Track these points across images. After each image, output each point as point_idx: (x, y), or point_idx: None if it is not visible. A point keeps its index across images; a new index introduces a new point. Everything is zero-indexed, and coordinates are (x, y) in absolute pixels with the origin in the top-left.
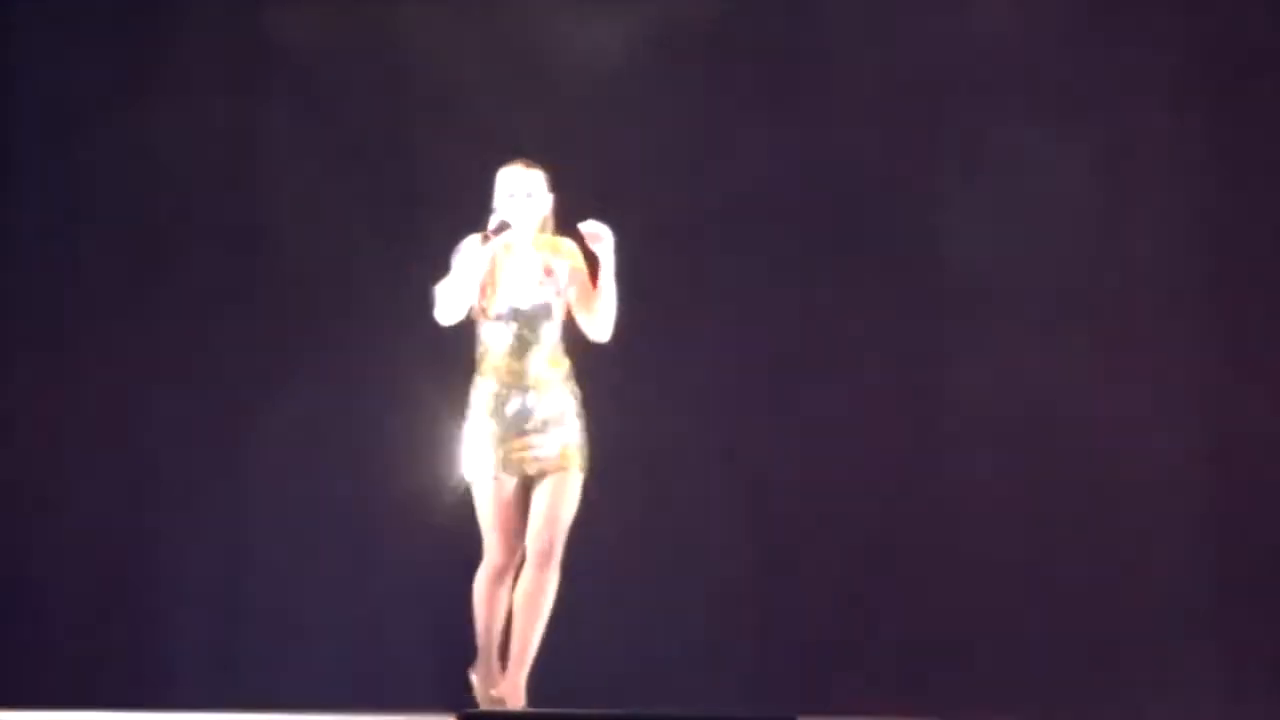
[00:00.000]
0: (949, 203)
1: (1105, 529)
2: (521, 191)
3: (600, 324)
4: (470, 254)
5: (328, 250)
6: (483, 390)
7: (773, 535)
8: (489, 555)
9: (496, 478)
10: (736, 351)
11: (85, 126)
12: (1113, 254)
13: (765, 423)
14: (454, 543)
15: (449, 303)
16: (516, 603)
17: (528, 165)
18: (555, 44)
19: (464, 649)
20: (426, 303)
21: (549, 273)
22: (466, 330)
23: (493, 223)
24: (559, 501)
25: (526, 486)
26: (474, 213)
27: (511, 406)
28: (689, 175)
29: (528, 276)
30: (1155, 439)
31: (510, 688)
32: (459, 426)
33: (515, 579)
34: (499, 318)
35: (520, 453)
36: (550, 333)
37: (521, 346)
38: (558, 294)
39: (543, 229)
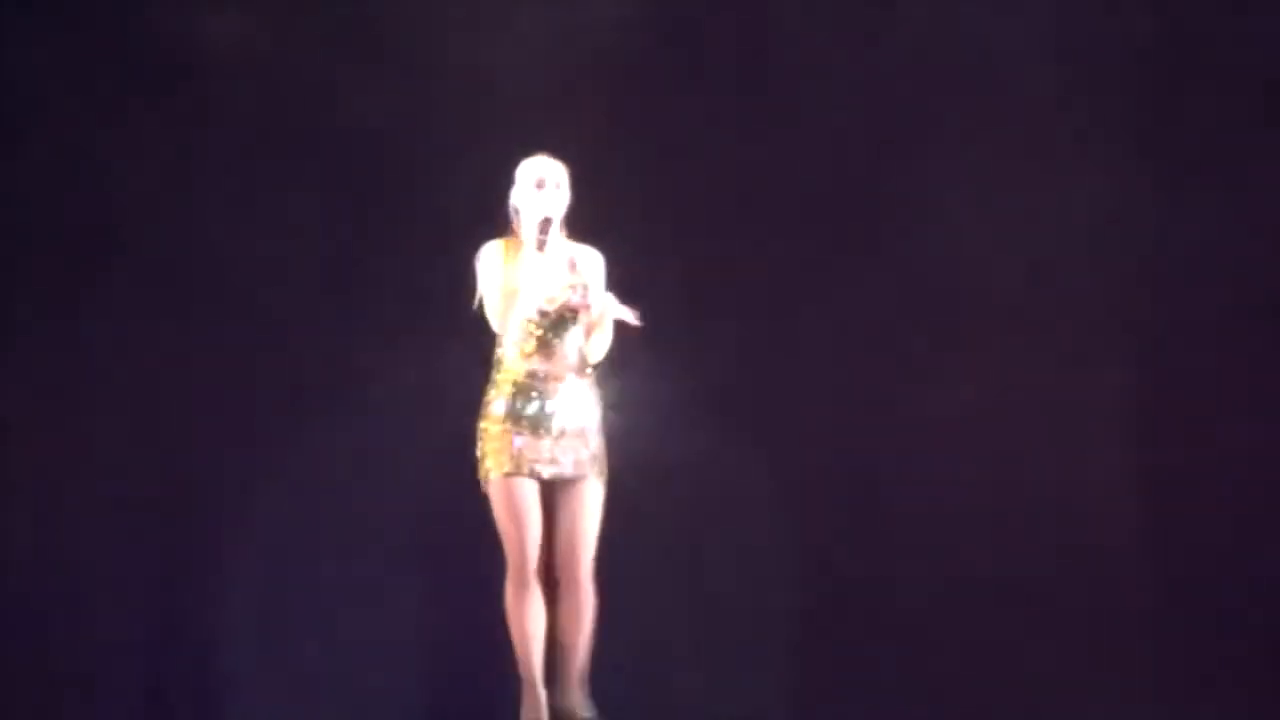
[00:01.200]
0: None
1: (1043, 542)
2: (551, 182)
3: (594, 348)
4: (492, 255)
5: (340, 251)
6: (501, 392)
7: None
8: (510, 563)
9: (513, 481)
10: (760, 352)
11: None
12: (1048, 268)
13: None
14: (477, 554)
15: (503, 309)
16: (560, 625)
17: (549, 157)
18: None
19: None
20: (442, 302)
21: (573, 267)
22: (487, 331)
23: (532, 224)
24: (580, 516)
25: (545, 492)
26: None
27: (530, 409)
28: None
29: (551, 275)
30: (1090, 453)
31: (568, 708)
32: (477, 430)
33: (547, 589)
34: (528, 318)
35: (536, 456)
36: (574, 334)
37: (542, 348)
38: (583, 295)
39: (564, 228)
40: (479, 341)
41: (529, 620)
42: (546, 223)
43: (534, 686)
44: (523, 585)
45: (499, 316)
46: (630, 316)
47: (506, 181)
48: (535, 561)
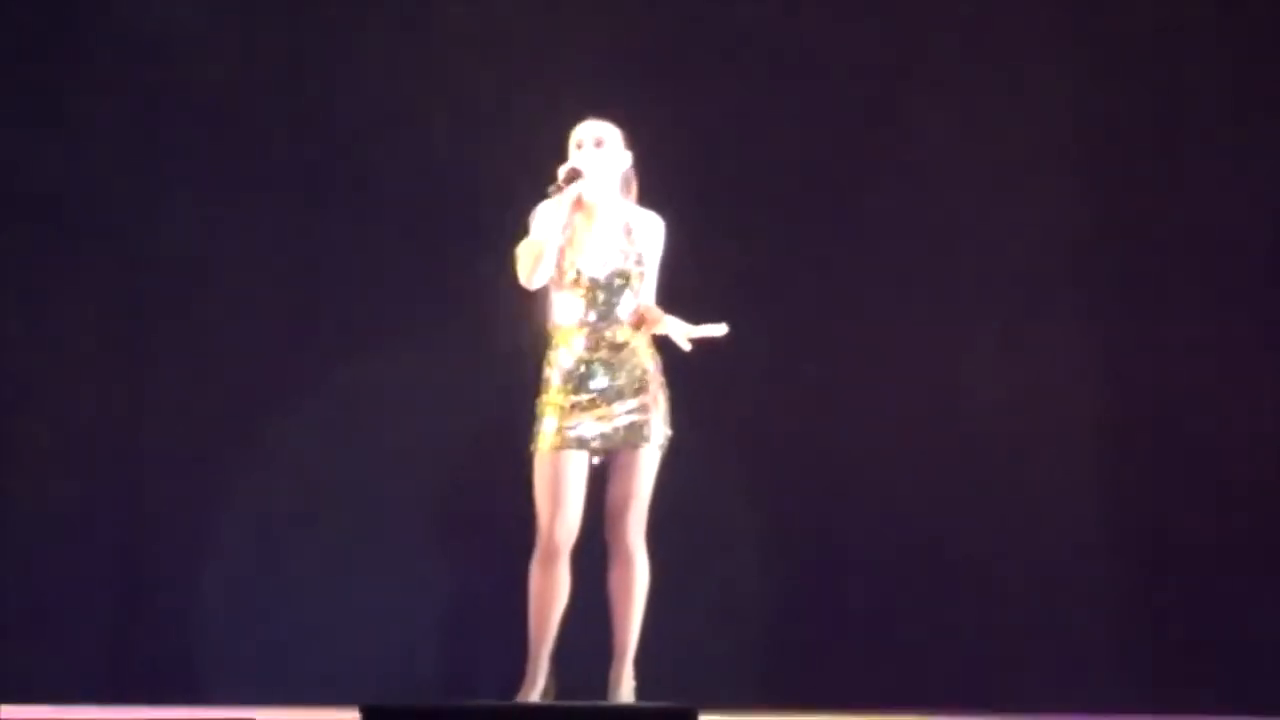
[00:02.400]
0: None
1: (1004, 511)
2: (590, 139)
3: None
4: (547, 213)
5: (403, 215)
6: (556, 361)
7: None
8: (539, 536)
9: (554, 456)
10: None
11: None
12: (1006, 235)
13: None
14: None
15: (530, 265)
16: (609, 596)
17: (598, 119)
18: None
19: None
20: (500, 270)
21: (629, 233)
22: (544, 301)
23: (562, 172)
24: (630, 483)
25: (592, 465)
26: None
27: (583, 378)
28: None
29: (606, 240)
30: (1051, 421)
31: (615, 680)
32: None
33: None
34: (574, 284)
35: (582, 426)
36: (630, 301)
37: (599, 315)
38: (638, 261)
39: (626, 192)
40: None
41: (544, 593)
42: (573, 173)
43: (536, 660)
44: (545, 559)
45: (521, 271)
46: (712, 331)
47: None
48: (562, 538)
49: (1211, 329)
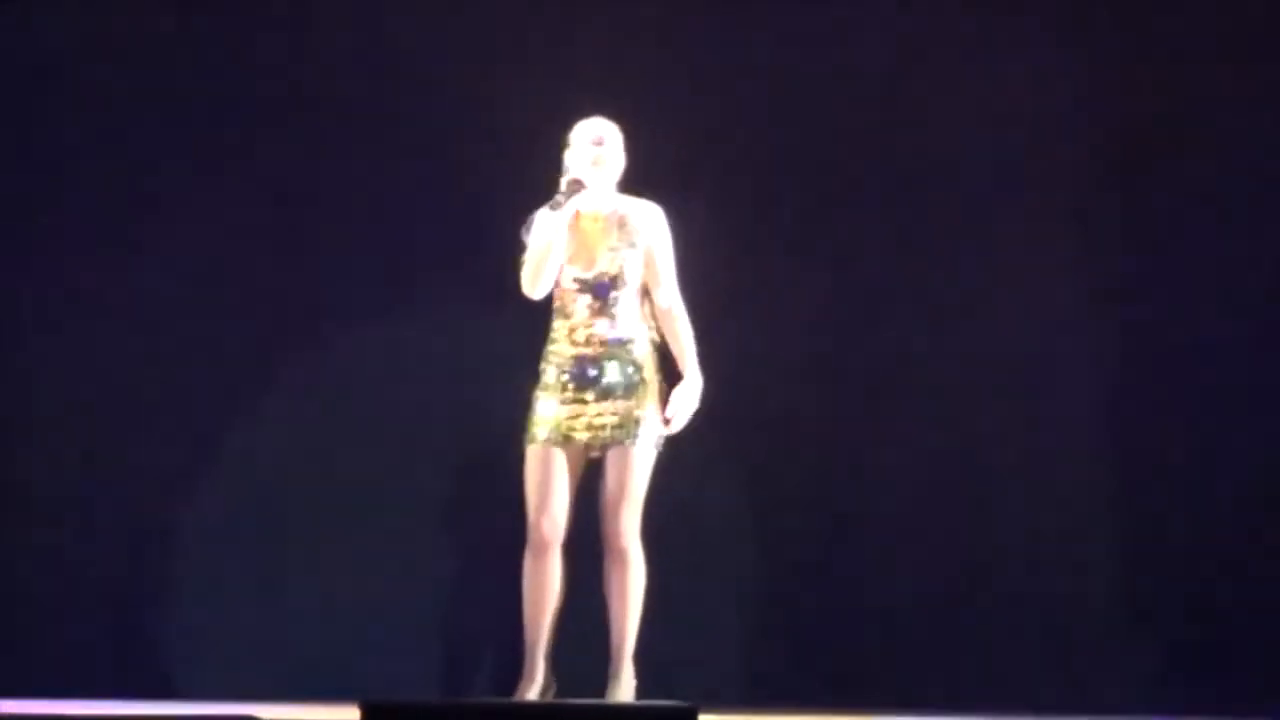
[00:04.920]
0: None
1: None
2: (592, 139)
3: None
4: (546, 222)
5: (408, 212)
6: (552, 357)
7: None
8: (529, 531)
9: (543, 450)
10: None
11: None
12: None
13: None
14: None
15: (533, 275)
16: (606, 595)
17: (602, 118)
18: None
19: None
20: (500, 268)
21: (626, 229)
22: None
23: (564, 184)
24: (623, 480)
25: (584, 461)
26: (538, 175)
27: (578, 375)
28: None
29: (602, 238)
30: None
31: (614, 677)
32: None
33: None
34: (573, 282)
35: (572, 421)
36: (626, 302)
37: (594, 313)
38: (636, 257)
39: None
40: (502, 312)
41: (536, 586)
42: (575, 184)
43: (532, 653)
44: (536, 552)
45: (525, 282)
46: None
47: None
48: (549, 531)
49: (1222, 332)
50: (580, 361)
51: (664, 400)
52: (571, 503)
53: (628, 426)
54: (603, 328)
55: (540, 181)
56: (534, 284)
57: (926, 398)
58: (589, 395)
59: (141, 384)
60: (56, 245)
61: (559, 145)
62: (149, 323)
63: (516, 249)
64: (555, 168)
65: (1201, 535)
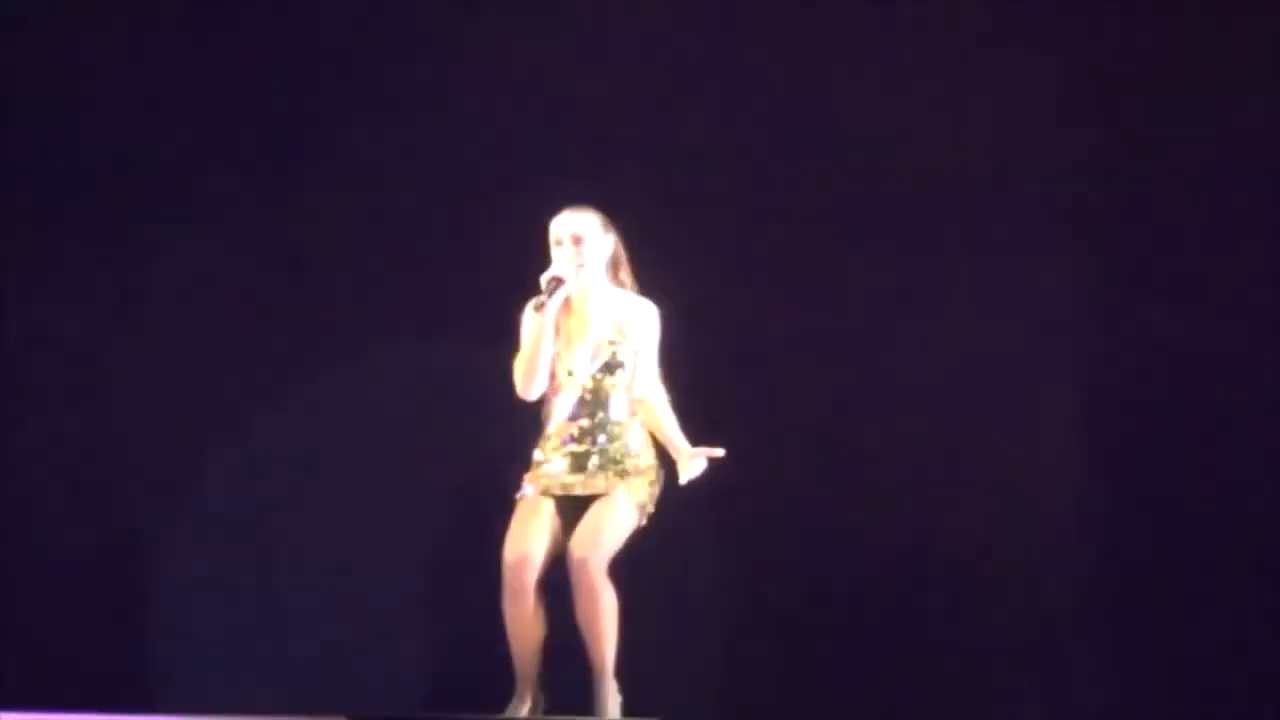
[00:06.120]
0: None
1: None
2: (569, 236)
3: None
4: (533, 322)
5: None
6: (547, 452)
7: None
8: (504, 578)
9: (529, 502)
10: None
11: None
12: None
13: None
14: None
15: (526, 377)
16: (579, 626)
17: (575, 210)
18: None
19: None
20: (501, 287)
21: (619, 327)
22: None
23: (544, 282)
24: (599, 519)
25: (567, 518)
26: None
27: (576, 462)
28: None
29: (594, 337)
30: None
31: (599, 695)
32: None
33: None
34: (566, 375)
35: (558, 479)
36: (619, 393)
37: (590, 413)
38: (630, 353)
39: (616, 272)
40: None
41: (518, 625)
42: (554, 282)
43: (522, 675)
44: (511, 596)
45: (519, 380)
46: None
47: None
48: (527, 578)
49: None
50: (580, 450)
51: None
52: (549, 553)
53: (613, 481)
54: (594, 419)
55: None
56: (527, 383)
57: (919, 416)
58: (582, 475)
59: (134, 394)
60: (56, 246)
61: (561, 160)
62: (147, 328)
63: (509, 271)
64: (556, 182)
65: (1201, 539)
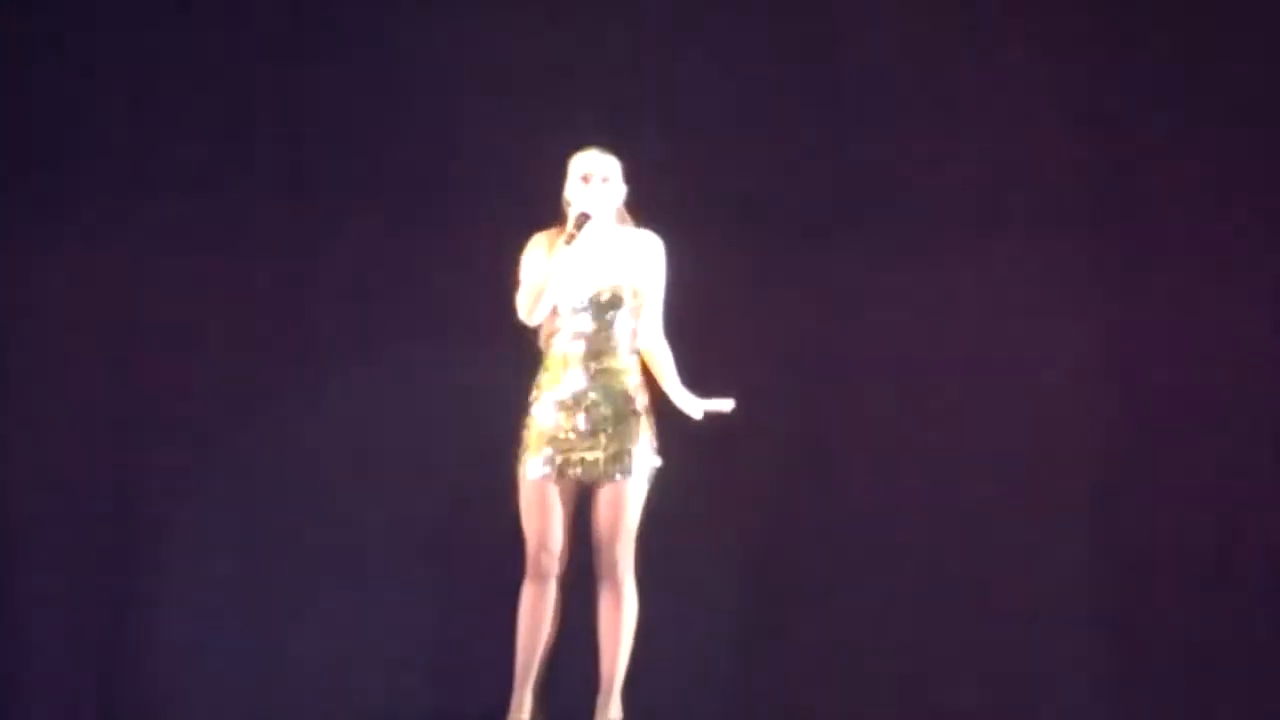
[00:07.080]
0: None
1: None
2: (598, 175)
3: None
4: (544, 252)
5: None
6: (545, 388)
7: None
8: (529, 564)
9: (541, 480)
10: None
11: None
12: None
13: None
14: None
15: (531, 302)
16: (598, 628)
17: (602, 150)
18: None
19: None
20: (491, 294)
21: (624, 258)
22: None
23: (572, 218)
24: (616, 513)
25: (578, 494)
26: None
27: (569, 406)
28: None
29: (598, 269)
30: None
31: (601, 711)
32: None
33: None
34: (568, 309)
35: (566, 455)
36: (621, 329)
37: (589, 343)
38: (633, 289)
39: (620, 221)
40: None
41: (533, 615)
42: (583, 217)
43: (521, 686)
44: (534, 579)
45: (523, 308)
46: (723, 407)
47: (546, 172)
48: (550, 558)
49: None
50: (574, 393)
51: (656, 431)
52: (568, 535)
53: (620, 461)
54: (595, 356)
55: (537, 200)
56: (532, 310)
57: (928, 423)
58: (580, 426)
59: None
60: (56, 247)
61: (556, 169)
62: (145, 336)
63: (513, 275)
64: (553, 190)
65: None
